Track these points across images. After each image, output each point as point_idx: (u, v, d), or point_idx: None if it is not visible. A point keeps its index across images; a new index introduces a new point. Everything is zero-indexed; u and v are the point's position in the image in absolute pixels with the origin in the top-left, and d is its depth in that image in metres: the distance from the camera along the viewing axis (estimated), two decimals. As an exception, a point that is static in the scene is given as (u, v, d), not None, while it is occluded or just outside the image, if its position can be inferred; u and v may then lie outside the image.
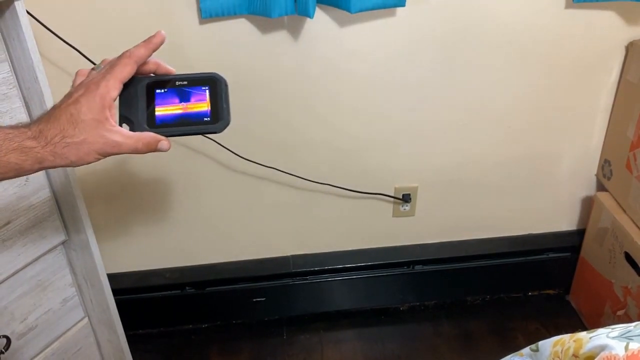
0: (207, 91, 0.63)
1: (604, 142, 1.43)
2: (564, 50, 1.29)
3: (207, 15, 1.12)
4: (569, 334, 0.66)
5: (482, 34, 1.25)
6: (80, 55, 1.11)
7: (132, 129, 0.61)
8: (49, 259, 1.00)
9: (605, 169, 1.43)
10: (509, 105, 1.36)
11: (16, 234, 0.90)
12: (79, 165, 0.58)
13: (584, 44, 1.29)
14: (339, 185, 1.41)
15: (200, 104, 0.63)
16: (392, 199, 1.46)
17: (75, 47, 1.09)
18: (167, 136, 0.61)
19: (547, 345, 0.68)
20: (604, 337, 0.60)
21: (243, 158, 1.31)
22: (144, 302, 1.47)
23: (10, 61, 0.83)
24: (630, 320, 0.64)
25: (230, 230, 1.46)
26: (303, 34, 1.20)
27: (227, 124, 0.62)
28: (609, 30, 1.28)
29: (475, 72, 1.30)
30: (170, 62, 1.20)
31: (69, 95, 0.59)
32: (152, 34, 0.63)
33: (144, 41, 0.62)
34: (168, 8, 1.15)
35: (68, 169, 0.93)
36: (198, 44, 1.19)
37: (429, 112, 1.34)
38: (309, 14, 1.09)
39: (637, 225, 1.29)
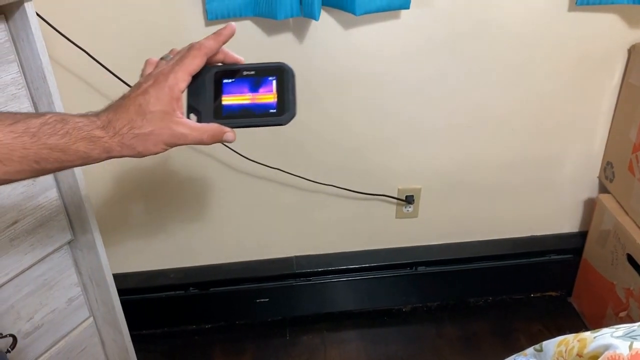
0: (274, 81, 0.62)
1: (606, 145, 1.44)
2: (567, 52, 1.30)
3: (213, 17, 1.13)
4: (573, 334, 0.66)
5: (485, 36, 1.26)
6: (89, 57, 1.11)
7: (199, 120, 0.61)
8: (55, 258, 1.00)
9: (608, 171, 1.43)
10: (512, 108, 1.36)
11: (23, 233, 0.91)
12: (145, 156, 0.59)
13: (586, 46, 1.30)
14: (343, 187, 1.41)
15: (267, 95, 0.62)
16: (395, 200, 1.46)
17: (84, 48, 1.10)
18: (232, 127, 0.61)
19: (551, 345, 0.68)
20: (608, 336, 0.61)
21: (247, 159, 1.32)
22: (148, 302, 1.48)
23: (20, 62, 0.83)
24: (632, 322, 0.64)
25: (234, 231, 1.46)
26: (308, 36, 1.21)
27: (293, 116, 0.61)
28: (611, 33, 1.28)
29: (479, 74, 1.31)
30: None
31: (137, 86, 0.59)
32: (224, 26, 0.62)
33: (214, 33, 0.61)
34: (174, 10, 1.15)
35: (76, 168, 0.93)
36: (203, 45, 1.19)
37: (432, 114, 1.35)
38: (314, 16, 1.10)
39: (639, 227, 1.30)
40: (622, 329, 0.62)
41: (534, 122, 1.39)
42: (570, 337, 0.66)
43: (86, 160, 0.57)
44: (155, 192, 1.37)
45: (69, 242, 1.02)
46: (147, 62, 0.64)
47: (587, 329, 0.67)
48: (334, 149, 1.37)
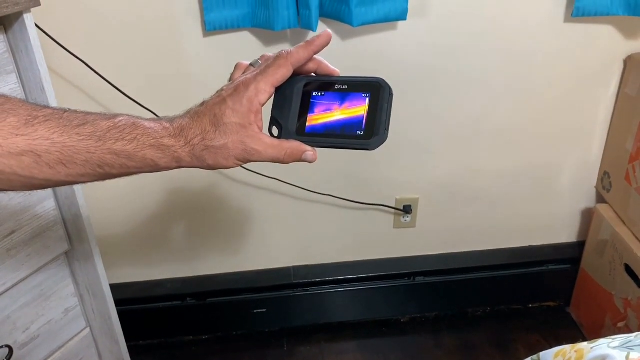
0: (367, 99, 0.55)
1: (603, 155, 1.44)
2: (563, 63, 1.31)
3: (211, 28, 1.13)
4: (570, 345, 0.66)
5: (481, 47, 1.27)
6: (87, 67, 1.12)
7: (280, 134, 0.57)
8: (52, 268, 1.00)
9: (605, 181, 1.43)
10: (508, 118, 1.37)
11: (20, 243, 0.91)
12: (216, 169, 0.55)
13: (582, 57, 1.31)
14: (340, 196, 1.41)
15: (356, 115, 0.55)
16: (393, 210, 1.46)
17: (82, 59, 1.10)
18: (314, 146, 0.56)
19: (549, 355, 0.68)
20: (605, 347, 0.61)
21: (244, 168, 1.32)
22: (145, 312, 1.47)
23: (18, 73, 0.84)
24: (630, 332, 0.64)
25: (231, 241, 1.46)
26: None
27: (383, 141, 0.54)
28: (607, 44, 1.29)
29: (475, 85, 1.31)
30: (174, 73, 1.22)
31: (219, 92, 0.55)
32: (318, 34, 0.56)
33: (306, 42, 0.56)
34: (173, 21, 1.16)
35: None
36: (202, 56, 1.20)
37: (429, 124, 1.35)
38: (311, 27, 1.11)
39: (636, 237, 1.30)
40: (619, 339, 0.62)
41: (531, 132, 1.39)
42: (567, 348, 0.66)
43: (155, 169, 0.54)
44: (152, 203, 1.37)
45: (65, 253, 1.01)
46: (236, 66, 0.59)
47: (585, 339, 0.67)
48: (332, 159, 1.37)
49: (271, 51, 1.23)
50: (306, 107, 0.57)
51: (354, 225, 1.48)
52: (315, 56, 0.57)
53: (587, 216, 1.53)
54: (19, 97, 0.84)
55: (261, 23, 1.13)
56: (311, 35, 1.20)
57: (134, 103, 1.18)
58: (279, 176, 1.35)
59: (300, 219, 1.45)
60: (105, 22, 1.15)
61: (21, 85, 0.84)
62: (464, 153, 1.40)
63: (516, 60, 1.29)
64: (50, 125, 0.49)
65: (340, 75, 0.58)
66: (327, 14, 1.15)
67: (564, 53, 1.29)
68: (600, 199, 1.49)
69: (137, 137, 0.52)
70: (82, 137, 0.50)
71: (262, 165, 1.33)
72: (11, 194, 0.88)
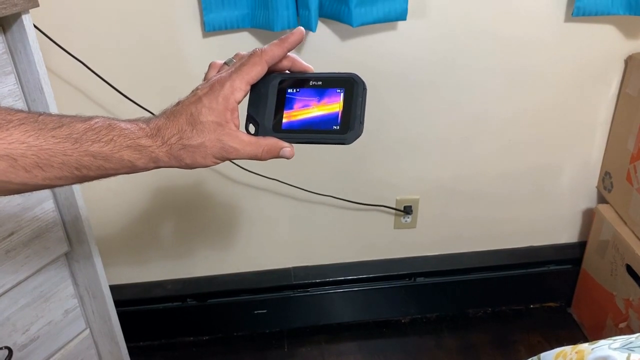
0: (342, 94, 0.55)
1: (604, 155, 1.44)
2: (564, 63, 1.31)
3: (210, 28, 1.13)
4: (571, 346, 0.66)
5: (482, 47, 1.26)
6: (86, 68, 1.12)
7: (256, 131, 0.57)
8: (51, 270, 1.00)
9: (606, 181, 1.43)
10: (509, 118, 1.36)
11: (20, 245, 0.91)
12: (194, 168, 0.55)
13: (583, 57, 1.30)
14: (341, 197, 1.41)
15: (331, 110, 0.56)
16: (393, 211, 1.46)
17: (81, 59, 1.10)
18: (291, 142, 0.57)
19: (549, 357, 0.68)
20: (606, 348, 0.60)
21: (244, 169, 1.32)
22: (145, 313, 1.47)
23: (17, 73, 0.83)
24: (632, 333, 0.64)
25: (232, 242, 1.46)
26: (305, 48, 1.21)
27: (358, 135, 0.55)
28: (608, 44, 1.29)
29: (476, 84, 1.31)
30: (173, 74, 1.22)
31: (194, 91, 0.55)
32: (291, 31, 0.56)
33: (280, 39, 0.56)
34: (172, 21, 1.16)
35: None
36: (201, 56, 1.20)
37: (430, 124, 1.35)
38: (311, 28, 1.10)
39: (638, 238, 1.29)
40: (620, 340, 0.61)
41: (532, 132, 1.39)
42: (568, 349, 0.65)
43: (132, 169, 0.54)
44: (152, 203, 1.37)
45: (65, 254, 1.01)
46: (210, 65, 0.59)
47: (586, 340, 0.67)
48: (332, 159, 1.37)
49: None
50: (282, 104, 0.57)
51: (354, 226, 1.47)
52: (288, 53, 0.57)
53: (588, 216, 1.52)
54: (17, 98, 0.84)
55: (260, 23, 1.13)
56: (310, 36, 1.20)
57: (133, 104, 1.17)
58: (279, 177, 1.35)
59: (301, 220, 1.45)
60: (104, 23, 1.15)
61: (20, 86, 0.84)
62: (465, 153, 1.40)
63: (516, 60, 1.29)
64: (25, 128, 0.49)
65: (314, 71, 0.59)
66: (326, 14, 1.15)
67: (565, 53, 1.29)
68: (601, 199, 1.49)
69: (114, 138, 0.51)
70: (58, 140, 0.50)
71: (262, 166, 1.33)
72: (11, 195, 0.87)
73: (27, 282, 0.95)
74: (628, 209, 1.32)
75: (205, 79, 0.58)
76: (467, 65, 1.28)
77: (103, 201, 1.33)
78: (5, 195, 0.53)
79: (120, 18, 1.14)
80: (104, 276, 1.05)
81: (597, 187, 1.49)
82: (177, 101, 0.56)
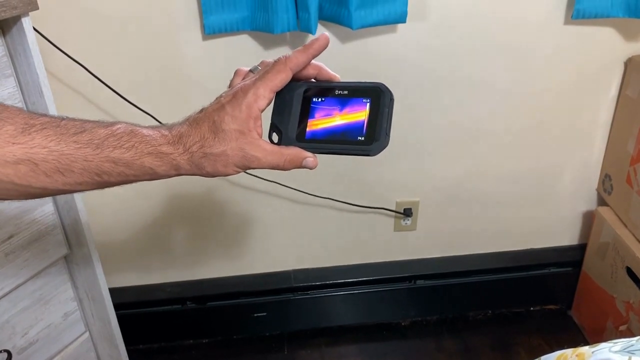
0: (368, 104, 0.54)
1: (604, 157, 1.44)
2: (564, 65, 1.31)
3: (210, 31, 1.13)
4: (571, 349, 0.66)
5: (481, 50, 1.27)
6: (86, 71, 1.12)
7: (279, 140, 0.56)
8: (51, 272, 1.00)
9: (606, 183, 1.43)
10: (509, 121, 1.36)
11: (19, 247, 0.91)
12: (216, 176, 0.55)
13: (583, 59, 1.30)
14: (341, 200, 1.41)
15: (356, 120, 0.54)
16: (393, 214, 1.46)
17: (80, 62, 1.10)
18: (314, 152, 0.56)
19: (550, 359, 0.68)
20: (607, 351, 0.60)
21: (244, 172, 1.31)
22: (145, 316, 1.47)
23: (16, 76, 0.84)
24: (632, 336, 0.64)
25: (231, 245, 1.46)
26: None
27: (384, 147, 0.53)
28: (607, 46, 1.29)
29: (475, 87, 1.31)
30: (173, 76, 1.22)
31: (218, 99, 0.54)
32: (315, 37, 0.56)
33: (305, 45, 0.55)
34: (172, 24, 1.16)
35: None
36: (201, 59, 1.20)
37: (429, 126, 1.35)
38: (311, 30, 1.11)
39: (638, 240, 1.29)
40: (620, 343, 0.61)
41: (532, 134, 1.39)
42: (569, 352, 0.65)
43: (153, 176, 0.53)
44: (152, 206, 1.37)
45: (64, 257, 1.01)
46: (236, 72, 0.59)
47: (587, 343, 0.67)
48: (332, 163, 1.37)
49: (270, 54, 1.24)
50: (306, 112, 0.56)
51: (354, 229, 1.47)
52: (315, 62, 0.57)
53: (588, 219, 1.52)
54: (17, 101, 0.84)
55: (260, 26, 1.13)
56: (310, 38, 1.20)
57: (133, 106, 1.17)
58: (278, 180, 1.35)
59: (301, 222, 1.45)
60: (104, 26, 1.15)
61: (19, 89, 0.84)
62: (465, 156, 1.40)
63: (516, 63, 1.29)
64: (47, 133, 0.49)
65: (341, 80, 0.58)
66: (326, 17, 1.15)
67: (565, 55, 1.29)
68: (601, 202, 1.49)
69: (135, 144, 0.51)
70: (79, 145, 0.50)
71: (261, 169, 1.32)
72: (10, 198, 0.87)
73: (27, 285, 0.95)
74: (628, 211, 1.32)
75: (230, 85, 0.57)
76: (466, 68, 1.28)
77: (103, 204, 1.33)
78: (26, 199, 0.53)
79: (120, 20, 1.15)
80: (104, 279, 1.05)
81: (597, 190, 1.49)
82: (200, 108, 0.55)
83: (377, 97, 0.54)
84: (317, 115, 0.56)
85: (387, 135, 0.53)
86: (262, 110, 0.53)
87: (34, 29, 0.82)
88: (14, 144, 0.47)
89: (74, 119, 0.52)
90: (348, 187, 1.40)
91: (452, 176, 1.43)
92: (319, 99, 0.56)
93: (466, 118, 1.35)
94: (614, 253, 1.36)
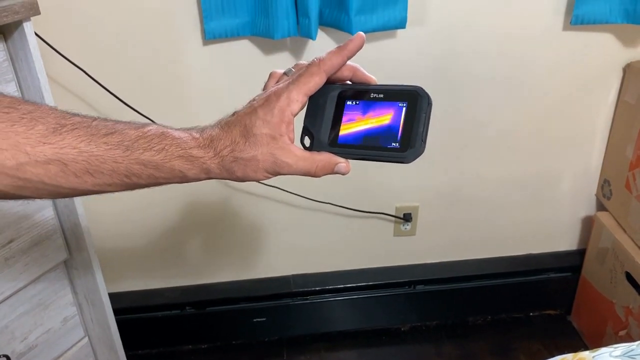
0: (404, 109, 0.52)
1: (603, 162, 1.44)
2: (563, 71, 1.31)
3: (211, 36, 1.13)
4: (571, 354, 0.65)
5: (480, 55, 1.27)
6: (87, 76, 1.12)
7: (311, 144, 0.55)
8: (50, 277, 1.00)
9: (605, 188, 1.43)
10: (508, 126, 1.37)
11: (19, 252, 0.91)
12: (246, 181, 0.53)
13: (582, 65, 1.31)
14: (340, 204, 1.41)
15: (391, 125, 0.52)
16: (393, 218, 1.46)
17: (82, 67, 1.10)
18: (347, 158, 0.54)
19: (550, 364, 0.67)
20: (607, 356, 0.60)
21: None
22: (144, 321, 1.47)
23: (18, 81, 0.84)
24: (632, 341, 0.64)
25: (231, 250, 1.46)
26: (305, 55, 1.22)
27: (419, 154, 0.51)
28: (606, 52, 1.30)
29: (475, 92, 1.31)
30: (173, 81, 1.23)
31: (250, 102, 0.53)
32: (351, 37, 0.53)
33: (339, 46, 0.53)
34: (172, 29, 1.16)
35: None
36: (202, 64, 1.20)
37: (429, 132, 1.35)
38: (311, 36, 1.11)
39: (637, 245, 1.29)
40: (621, 348, 0.61)
41: (531, 139, 1.39)
42: (569, 357, 0.65)
43: (183, 179, 0.53)
44: (151, 211, 1.37)
45: (64, 261, 1.01)
46: (270, 75, 0.57)
47: (586, 348, 0.67)
48: (332, 167, 1.37)
49: (271, 59, 1.24)
50: (340, 116, 0.54)
51: (353, 234, 1.47)
52: (350, 63, 0.55)
53: (588, 224, 1.52)
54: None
55: (261, 32, 1.13)
56: (310, 44, 1.20)
57: (134, 111, 1.18)
58: (278, 184, 1.35)
59: (300, 227, 1.45)
60: (105, 31, 1.15)
61: (21, 94, 0.85)
62: (464, 161, 1.40)
63: (515, 68, 1.29)
64: (77, 133, 0.49)
65: (377, 82, 0.56)
66: (326, 23, 1.15)
67: (563, 61, 1.30)
68: (600, 207, 1.49)
69: (166, 147, 0.51)
70: (109, 147, 0.49)
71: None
72: (10, 202, 0.87)
73: (26, 289, 0.95)
74: (627, 216, 1.32)
75: (264, 88, 0.56)
76: (466, 73, 1.29)
77: (102, 209, 1.33)
78: (55, 198, 0.52)
79: (121, 25, 1.15)
80: (103, 284, 1.05)
81: (596, 195, 1.49)
82: (233, 111, 0.54)
83: (414, 101, 0.52)
84: (350, 119, 0.54)
85: (423, 141, 0.51)
86: (295, 115, 0.52)
87: (35, 33, 0.83)
88: (44, 143, 0.47)
89: (105, 120, 0.51)
90: (348, 192, 1.40)
91: (451, 181, 1.43)
92: (354, 103, 0.54)
93: (465, 123, 1.35)
94: (613, 258, 1.36)
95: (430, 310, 1.59)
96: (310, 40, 1.18)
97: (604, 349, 0.63)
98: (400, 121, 0.52)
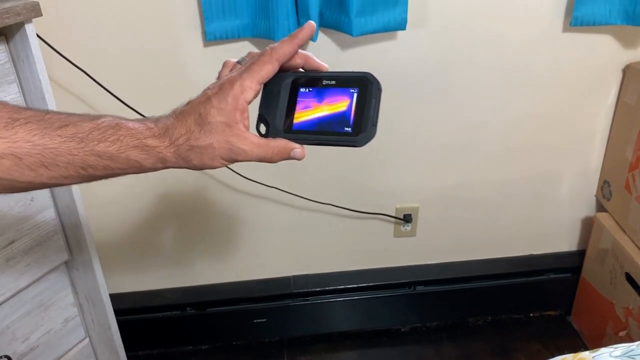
0: (355, 94, 0.53)
1: (603, 163, 1.44)
2: (562, 72, 1.31)
3: (211, 38, 1.14)
4: (572, 354, 0.66)
5: (481, 56, 1.27)
6: (88, 77, 1.12)
7: (267, 132, 0.56)
8: (51, 278, 1.00)
9: (605, 189, 1.43)
10: (508, 127, 1.37)
11: (20, 253, 0.91)
12: (203, 169, 0.54)
13: (581, 66, 1.31)
14: (340, 205, 1.41)
15: (344, 110, 0.53)
16: (393, 219, 1.46)
17: (83, 69, 1.11)
18: (302, 144, 0.55)
19: (551, 365, 0.68)
20: (607, 356, 0.60)
21: (244, 177, 1.32)
22: (145, 322, 1.47)
23: (19, 83, 0.84)
24: (632, 341, 0.64)
25: (231, 251, 1.46)
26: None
27: (370, 138, 0.53)
28: (606, 53, 1.30)
29: (475, 93, 1.32)
30: (174, 82, 1.23)
31: (204, 91, 0.54)
32: (301, 26, 0.54)
33: (290, 35, 0.54)
34: (174, 30, 1.17)
35: (72, 187, 0.93)
36: (202, 65, 1.21)
37: (430, 133, 1.36)
38: (311, 38, 1.11)
39: (637, 246, 1.30)
40: (621, 348, 0.61)
41: (531, 141, 1.39)
42: (569, 357, 0.65)
43: (140, 170, 0.53)
44: (152, 212, 1.37)
45: (65, 262, 1.01)
46: (224, 64, 0.58)
47: (586, 349, 0.67)
48: (332, 168, 1.37)
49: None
50: (294, 103, 0.56)
51: (353, 235, 1.47)
52: (302, 51, 0.56)
53: (588, 225, 1.53)
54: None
55: (261, 33, 1.13)
56: (310, 45, 1.20)
57: (135, 113, 1.18)
58: (279, 185, 1.35)
59: (300, 228, 1.45)
60: (107, 33, 1.15)
61: (22, 95, 0.85)
62: (464, 162, 1.41)
63: (515, 69, 1.30)
64: (30, 127, 0.49)
65: (329, 70, 0.57)
66: (326, 24, 1.15)
67: (563, 62, 1.30)
68: (600, 208, 1.49)
69: (120, 138, 0.51)
70: (63, 139, 0.50)
71: (262, 174, 1.33)
72: (11, 203, 0.88)
73: (27, 290, 0.95)
74: (627, 217, 1.32)
75: (218, 77, 0.57)
76: (466, 74, 1.29)
77: (103, 210, 1.33)
78: (11, 192, 0.53)
79: (122, 27, 1.15)
80: (104, 285, 1.05)
81: (596, 196, 1.49)
82: (187, 101, 0.55)
83: (365, 87, 0.53)
84: (304, 106, 0.55)
85: (374, 125, 0.53)
86: (249, 103, 0.53)
87: (37, 35, 0.83)
88: None
89: (59, 113, 0.52)
90: (348, 193, 1.41)
91: (451, 182, 1.43)
92: (307, 90, 0.55)
93: (466, 124, 1.35)
94: (613, 259, 1.36)
95: (430, 311, 1.59)
96: (311, 42, 1.18)
97: (603, 349, 0.63)
98: (352, 106, 0.53)
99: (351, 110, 0.53)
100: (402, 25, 1.15)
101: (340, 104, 0.54)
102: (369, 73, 0.54)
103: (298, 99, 0.56)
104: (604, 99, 1.36)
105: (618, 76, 1.33)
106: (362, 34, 1.12)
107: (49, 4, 1.07)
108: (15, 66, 0.83)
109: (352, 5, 1.08)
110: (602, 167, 1.45)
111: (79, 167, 0.51)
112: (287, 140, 0.55)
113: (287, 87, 0.56)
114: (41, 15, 0.80)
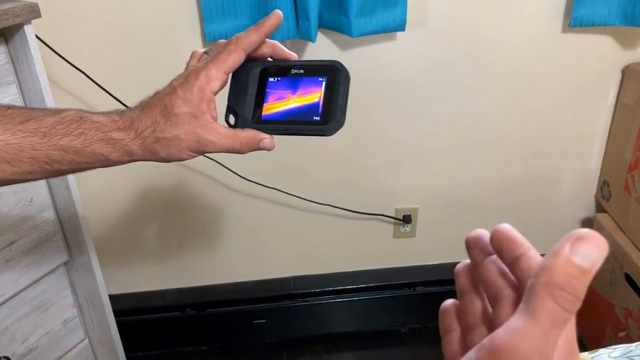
0: (324, 83, 0.53)
1: (602, 164, 1.44)
2: (561, 73, 1.31)
3: (211, 38, 1.14)
4: (571, 355, 0.66)
5: (480, 58, 1.27)
6: (88, 79, 1.12)
7: (236, 122, 0.55)
8: (51, 279, 1.00)
9: (604, 190, 1.43)
10: (508, 128, 1.37)
11: (19, 254, 0.91)
12: (170, 162, 0.53)
13: (580, 67, 1.31)
14: (340, 206, 1.41)
15: (312, 100, 0.53)
16: (392, 220, 1.46)
17: (82, 70, 1.11)
18: (271, 134, 0.54)
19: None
20: (606, 357, 0.60)
21: (244, 178, 1.32)
22: (144, 323, 1.47)
23: (18, 83, 0.84)
24: (631, 342, 0.64)
25: (231, 251, 1.46)
26: (305, 58, 1.22)
27: (340, 126, 0.53)
28: (605, 54, 1.30)
29: (474, 95, 1.32)
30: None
31: (170, 82, 0.54)
32: (268, 15, 0.53)
33: (256, 24, 0.53)
34: (173, 31, 1.17)
35: (72, 187, 0.93)
36: (201, 67, 1.20)
37: (429, 134, 1.36)
38: (311, 38, 1.11)
39: (636, 247, 1.30)
40: (620, 349, 0.61)
41: (530, 142, 1.39)
42: (568, 358, 0.65)
43: (106, 163, 0.52)
44: (152, 213, 1.37)
45: (65, 263, 1.01)
46: (192, 54, 0.57)
47: (586, 349, 0.67)
48: (331, 169, 1.37)
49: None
50: (262, 93, 0.55)
51: (353, 235, 1.47)
52: (269, 40, 0.55)
53: (587, 225, 1.53)
54: (19, 107, 0.84)
55: (261, 34, 1.13)
56: (310, 46, 1.20)
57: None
58: (279, 186, 1.35)
59: (300, 229, 1.45)
60: (106, 34, 1.15)
61: (21, 96, 0.85)
62: (464, 163, 1.41)
63: (514, 71, 1.30)
64: None
65: (297, 59, 0.57)
66: (326, 25, 1.15)
67: (562, 63, 1.30)
68: (599, 209, 1.49)
69: (85, 131, 0.50)
70: (25, 134, 0.49)
71: (262, 175, 1.33)
72: (10, 204, 0.88)
73: (27, 291, 0.95)
74: (626, 218, 1.32)
75: (186, 68, 0.56)
76: (465, 75, 1.29)
77: (103, 211, 1.33)
78: None
79: (122, 28, 1.15)
80: (104, 286, 1.05)
81: (596, 197, 1.49)
82: (154, 92, 0.54)
83: (333, 75, 0.53)
84: (273, 95, 0.54)
85: (343, 114, 0.52)
86: (216, 93, 0.52)
87: (36, 36, 0.83)
88: None
89: (21, 108, 0.51)
90: (347, 194, 1.41)
91: (451, 183, 1.43)
92: (275, 79, 0.55)
93: (465, 125, 1.35)
94: (613, 260, 1.36)
95: (430, 312, 1.59)
96: (310, 43, 1.18)
97: (602, 350, 0.63)
98: (320, 95, 0.53)
99: (320, 99, 0.53)
100: (401, 26, 1.15)
101: (309, 93, 0.53)
102: (337, 61, 0.53)
103: (267, 89, 0.55)
104: (603, 100, 1.36)
105: (617, 77, 1.33)
106: (361, 35, 1.13)
107: (48, 5, 1.07)
108: (14, 67, 0.83)
109: (351, 6, 1.09)
110: (602, 167, 1.45)
111: (43, 162, 0.50)
112: (256, 130, 0.54)
113: (255, 77, 0.55)
114: (40, 16, 0.80)
